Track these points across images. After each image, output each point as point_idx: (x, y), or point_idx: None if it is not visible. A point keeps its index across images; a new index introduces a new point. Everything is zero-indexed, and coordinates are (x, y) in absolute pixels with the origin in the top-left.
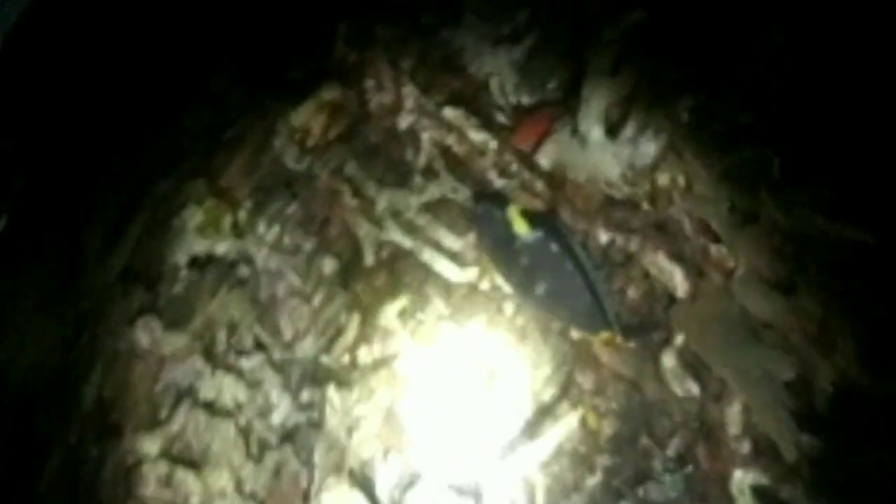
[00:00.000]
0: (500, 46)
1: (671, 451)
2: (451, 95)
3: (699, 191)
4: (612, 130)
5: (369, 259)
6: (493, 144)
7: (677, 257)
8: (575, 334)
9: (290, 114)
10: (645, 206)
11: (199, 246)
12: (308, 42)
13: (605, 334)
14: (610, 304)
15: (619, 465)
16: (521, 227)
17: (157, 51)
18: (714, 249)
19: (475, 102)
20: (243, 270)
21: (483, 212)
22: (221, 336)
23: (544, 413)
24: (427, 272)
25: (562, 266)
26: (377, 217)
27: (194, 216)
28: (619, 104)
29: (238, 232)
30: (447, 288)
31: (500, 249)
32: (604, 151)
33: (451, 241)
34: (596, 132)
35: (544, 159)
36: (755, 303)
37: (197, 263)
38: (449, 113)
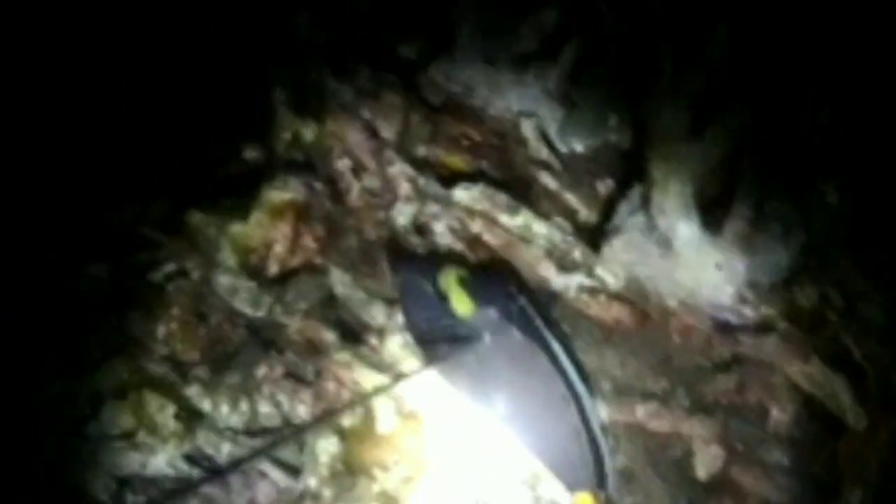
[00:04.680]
0: (527, 70)
1: None
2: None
3: (868, 315)
4: (712, 224)
5: (385, 423)
6: (539, 227)
7: (839, 363)
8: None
9: (230, 231)
10: (783, 326)
11: (130, 464)
12: (235, 118)
13: (582, 496)
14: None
15: None
16: (461, 304)
17: None
18: None
19: (506, 161)
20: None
21: (407, 284)
22: None
23: None
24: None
25: (531, 364)
26: (390, 358)
27: (117, 418)
28: (715, 178)
29: (186, 428)
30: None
31: (440, 339)
32: (700, 259)
33: None
34: (684, 229)
35: (610, 270)
36: None
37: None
38: (462, 196)
